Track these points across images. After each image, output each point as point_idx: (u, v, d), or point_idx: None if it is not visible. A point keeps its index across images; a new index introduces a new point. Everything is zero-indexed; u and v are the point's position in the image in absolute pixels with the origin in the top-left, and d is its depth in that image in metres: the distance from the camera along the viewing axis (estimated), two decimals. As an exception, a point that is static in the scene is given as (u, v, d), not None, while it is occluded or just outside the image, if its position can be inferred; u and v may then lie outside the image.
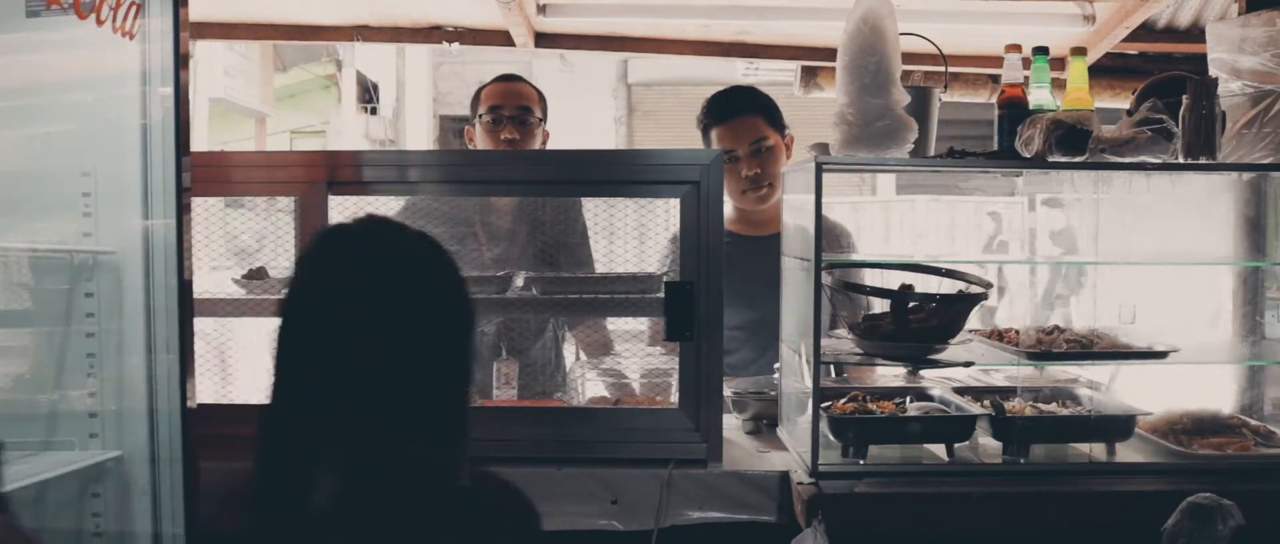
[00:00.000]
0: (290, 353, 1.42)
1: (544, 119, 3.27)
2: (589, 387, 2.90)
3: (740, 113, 3.16)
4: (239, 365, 2.70)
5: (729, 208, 3.22)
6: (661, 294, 2.42)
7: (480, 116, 3.23)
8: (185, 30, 2.02)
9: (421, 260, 1.45)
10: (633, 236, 2.90)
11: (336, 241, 1.46)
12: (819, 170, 2.27)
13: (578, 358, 3.14)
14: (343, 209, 2.55)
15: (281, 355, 1.43)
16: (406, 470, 1.42)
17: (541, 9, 4.07)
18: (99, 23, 2.00)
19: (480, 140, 3.24)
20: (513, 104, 3.21)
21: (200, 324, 2.42)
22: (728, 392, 2.64)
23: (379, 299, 1.39)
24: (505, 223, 3.07)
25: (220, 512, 1.50)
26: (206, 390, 2.55)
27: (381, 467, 1.41)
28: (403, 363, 1.40)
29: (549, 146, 3.29)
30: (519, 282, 2.63)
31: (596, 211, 2.80)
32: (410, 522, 1.40)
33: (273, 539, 1.43)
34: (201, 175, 2.26)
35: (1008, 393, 2.62)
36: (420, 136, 13.19)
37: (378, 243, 1.45)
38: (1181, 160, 2.32)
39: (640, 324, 3.05)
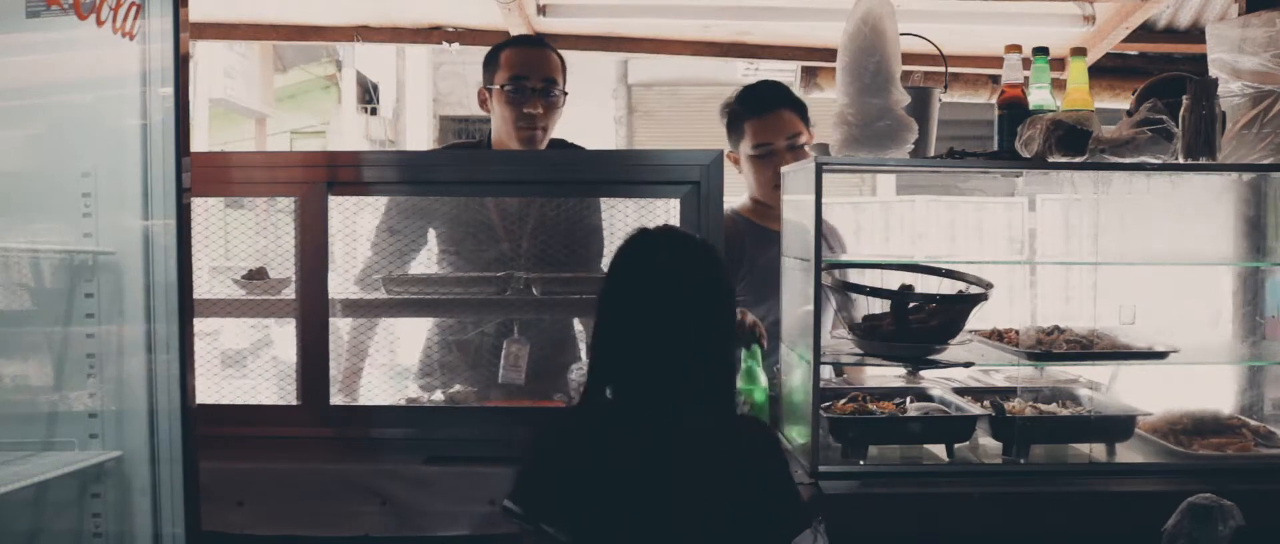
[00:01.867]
0: (611, 325, 1.91)
1: (565, 89, 3.07)
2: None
3: (778, 106, 3.09)
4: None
5: (743, 198, 3.20)
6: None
7: (501, 85, 2.98)
8: (185, 30, 2.02)
9: (713, 259, 1.95)
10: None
11: (650, 241, 1.94)
12: (819, 170, 2.27)
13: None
14: (342, 209, 2.55)
15: (601, 326, 1.92)
16: (698, 405, 1.88)
17: (541, 9, 4.07)
18: (99, 23, 2.00)
19: (497, 108, 3.01)
20: (539, 75, 2.97)
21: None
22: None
23: (686, 286, 1.88)
24: (520, 222, 2.92)
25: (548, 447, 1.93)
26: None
27: (682, 405, 1.87)
28: (699, 331, 1.88)
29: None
30: (520, 281, 2.63)
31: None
32: (703, 446, 1.86)
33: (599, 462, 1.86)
34: (201, 175, 2.26)
35: (1008, 393, 2.62)
36: (420, 137, 13.17)
37: (683, 245, 1.94)
38: (1181, 161, 2.32)
39: None
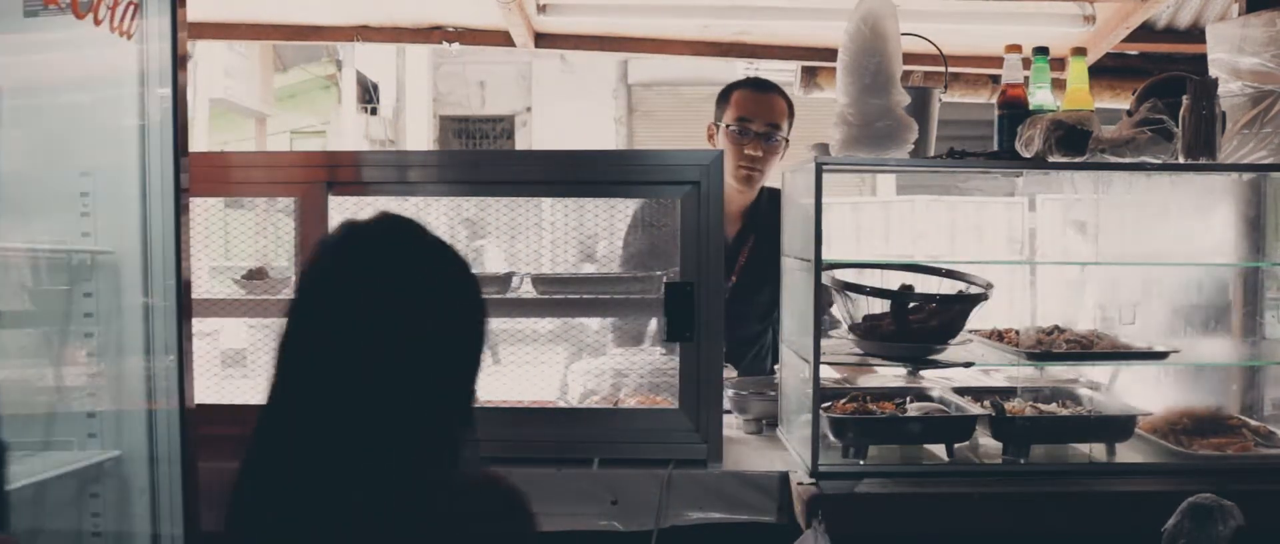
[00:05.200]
0: (296, 347, 1.44)
1: (789, 132, 3.15)
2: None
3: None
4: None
5: None
6: (661, 294, 2.42)
7: (727, 124, 3.10)
8: (183, 30, 2.02)
9: (437, 264, 1.47)
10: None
11: (351, 238, 1.47)
12: (819, 170, 2.27)
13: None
14: (342, 209, 2.55)
15: (286, 349, 1.44)
16: (403, 465, 1.42)
17: (541, 9, 4.07)
18: (97, 23, 2.00)
19: (722, 144, 3.10)
20: (764, 120, 3.08)
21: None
22: (728, 392, 2.64)
23: (390, 298, 1.41)
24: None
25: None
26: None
27: (378, 463, 1.41)
28: (407, 361, 1.41)
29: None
30: (517, 281, 2.63)
31: (597, 212, 2.79)
32: (405, 517, 1.41)
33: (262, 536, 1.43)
34: (201, 175, 2.26)
35: (1008, 393, 2.62)
36: (420, 137, 13.18)
37: (394, 242, 1.46)
38: (1181, 160, 2.31)
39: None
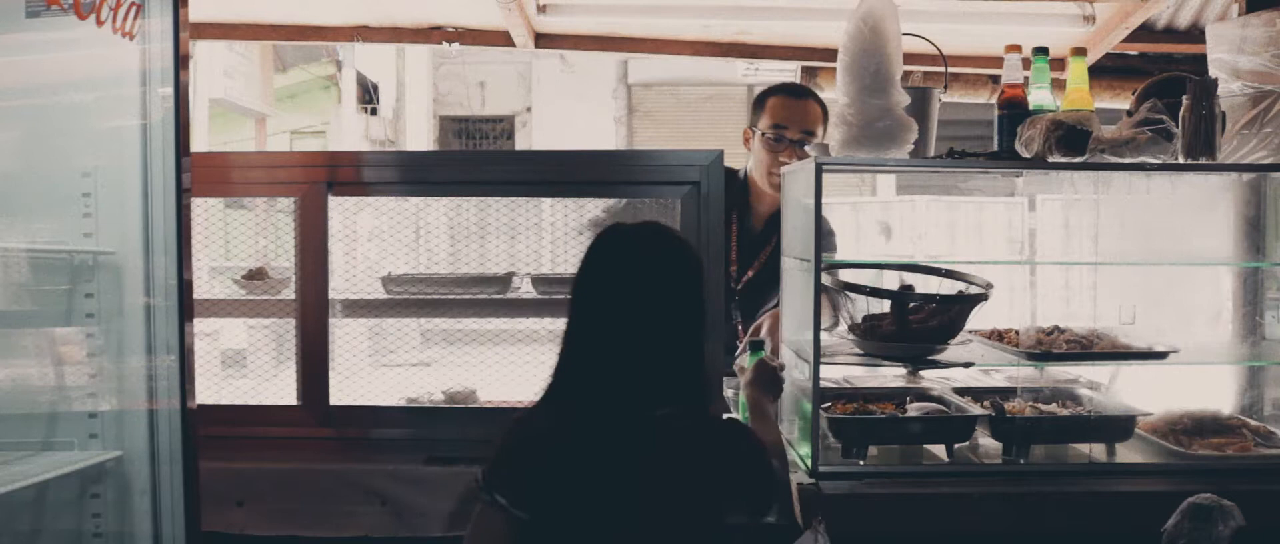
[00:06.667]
0: (583, 318, 1.90)
1: (824, 136, 3.11)
2: None
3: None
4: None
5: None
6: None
7: (762, 130, 3.11)
8: (185, 30, 2.02)
9: (688, 253, 1.94)
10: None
11: (622, 236, 1.93)
12: (819, 170, 2.27)
13: None
14: (342, 209, 2.55)
15: (574, 322, 1.90)
16: (659, 397, 1.87)
17: (541, 9, 4.07)
18: (99, 23, 2.00)
19: (756, 150, 3.13)
20: (799, 127, 3.07)
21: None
22: (728, 392, 2.64)
23: (659, 278, 1.89)
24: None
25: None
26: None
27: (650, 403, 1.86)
28: (668, 325, 1.88)
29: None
30: (517, 281, 2.63)
31: (597, 213, 2.80)
32: (663, 438, 1.86)
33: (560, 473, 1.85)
34: (201, 176, 2.27)
35: (1008, 393, 2.62)
36: (420, 137, 13.17)
37: (658, 238, 1.93)
38: (1181, 160, 2.31)
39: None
